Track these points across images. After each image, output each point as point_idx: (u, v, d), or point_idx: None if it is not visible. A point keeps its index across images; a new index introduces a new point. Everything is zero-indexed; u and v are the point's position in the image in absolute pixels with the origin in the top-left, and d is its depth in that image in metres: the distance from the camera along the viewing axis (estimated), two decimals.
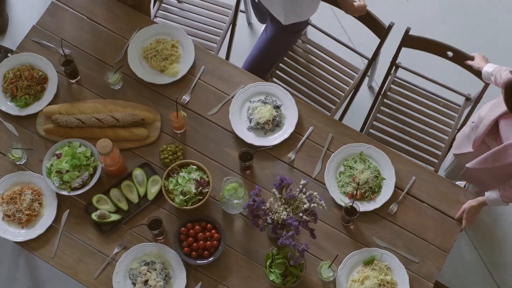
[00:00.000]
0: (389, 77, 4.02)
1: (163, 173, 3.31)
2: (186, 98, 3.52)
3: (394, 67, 4.01)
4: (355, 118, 4.40)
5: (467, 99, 3.98)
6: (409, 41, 3.75)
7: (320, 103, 3.98)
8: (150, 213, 3.32)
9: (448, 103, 3.99)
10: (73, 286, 3.86)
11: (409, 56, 4.05)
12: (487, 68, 3.32)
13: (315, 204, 2.98)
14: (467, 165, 3.22)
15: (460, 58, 3.65)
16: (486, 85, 3.75)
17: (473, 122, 3.36)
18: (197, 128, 3.47)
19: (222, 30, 4.14)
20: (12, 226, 3.29)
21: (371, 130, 3.95)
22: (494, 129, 3.19)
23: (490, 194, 3.23)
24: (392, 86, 4.03)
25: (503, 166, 3.05)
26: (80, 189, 3.31)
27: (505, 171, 3.08)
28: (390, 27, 3.69)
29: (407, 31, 3.71)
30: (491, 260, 4.22)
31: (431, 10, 4.73)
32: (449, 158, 3.72)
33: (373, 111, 3.99)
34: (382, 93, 4.01)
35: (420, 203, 3.36)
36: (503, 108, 3.05)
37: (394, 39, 3.87)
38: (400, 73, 4.05)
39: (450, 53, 3.69)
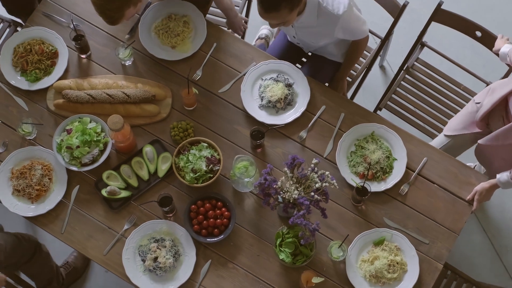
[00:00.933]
0: (413, 53, 4.00)
1: (174, 150, 3.29)
2: (197, 74, 3.50)
3: (419, 45, 4.01)
4: (366, 98, 4.38)
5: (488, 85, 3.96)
6: (440, 16, 3.69)
7: None
8: (160, 190, 3.30)
9: (468, 87, 3.99)
10: None
11: (430, 36, 4.04)
12: (504, 49, 3.31)
13: (327, 184, 2.97)
14: (480, 141, 3.25)
15: (488, 39, 3.61)
16: (508, 72, 3.73)
17: (478, 103, 3.35)
18: (208, 106, 3.45)
19: (238, 7, 4.10)
20: (22, 201, 3.29)
21: (388, 102, 3.96)
22: (501, 107, 3.18)
23: (501, 176, 3.22)
24: (415, 63, 4.04)
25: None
26: (90, 165, 3.29)
27: None
28: (404, 6, 3.65)
29: (439, 4, 3.65)
30: (499, 243, 4.22)
31: None
32: (439, 141, 3.70)
33: (393, 85, 4.00)
34: (404, 69, 4.02)
35: (431, 184, 3.34)
36: None
37: (406, 17, 3.83)
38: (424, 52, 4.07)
39: (478, 33, 3.63)
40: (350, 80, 3.96)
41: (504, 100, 3.16)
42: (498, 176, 3.25)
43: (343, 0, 3.22)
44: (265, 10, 3.04)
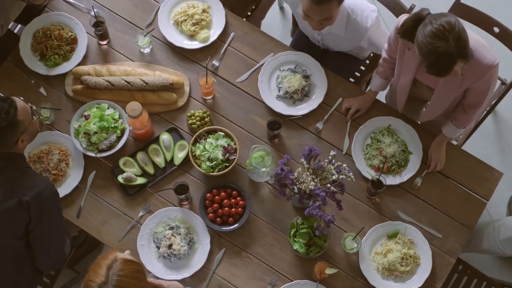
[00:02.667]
0: None
1: (190, 139, 3.31)
2: (215, 64, 3.51)
3: None
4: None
5: (503, 83, 3.96)
6: (457, 9, 3.66)
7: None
8: (176, 178, 3.32)
9: None
10: None
11: None
12: None
13: (343, 176, 2.98)
14: (421, 121, 3.45)
15: (506, 36, 3.59)
16: None
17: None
18: (225, 95, 3.46)
19: None
20: None
21: None
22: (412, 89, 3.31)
23: (445, 127, 3.32)
24: None
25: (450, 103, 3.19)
26: (107, 151, 3.31)
27: (452, 105, 3.22)
28: (411, 9, 3.65)
29: None
30: None
31: None
32: None
33: None
34: None
35: (445, 178, 3.35)
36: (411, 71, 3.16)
37: None
38: None
39: (496, 29, 3.61)
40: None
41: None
42: (442, 129, 3.33)
43: (371, 14, 3.27)
44: (317, 2, 3.02)
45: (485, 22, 3.66)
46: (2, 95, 2.91)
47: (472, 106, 3.17)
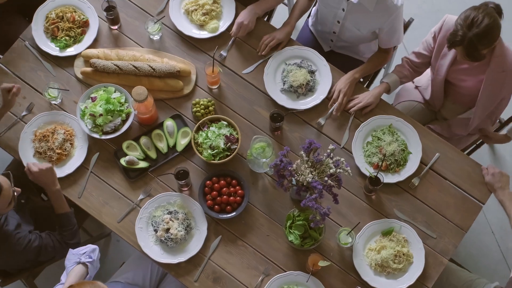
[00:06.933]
0: None
1: (194, 126, 3.36)
2: (223, 54, 3.56)
3: None
4: None
5: None
6: None
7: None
8: (177, 164, 3.37)
9: None
10: None
11: None
12: None
13: (341, 170, 3.02)
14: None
15: None
16: None
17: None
18: (231, 85, 3.51)
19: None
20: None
21: None
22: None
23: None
24: None
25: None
26: (112, 133, 3.37)
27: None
28: (409, 22, 3.71)
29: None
30: (507, 245, 4.25)
31: None
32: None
33: None
34: None
35: (443, 180, 3.39)
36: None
37: (433, 17, 3.84)
38: None
39: None
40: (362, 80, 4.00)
41: None
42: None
43: None
44: None
45: None
46: None
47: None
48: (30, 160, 3.35)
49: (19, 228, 3.11)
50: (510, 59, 3.23)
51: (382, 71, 4.26)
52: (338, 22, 3.61)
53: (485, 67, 3.29)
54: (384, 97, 3.61)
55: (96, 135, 3.36)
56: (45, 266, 3.66)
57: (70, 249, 3.13)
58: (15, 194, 2.99)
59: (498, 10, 3.11)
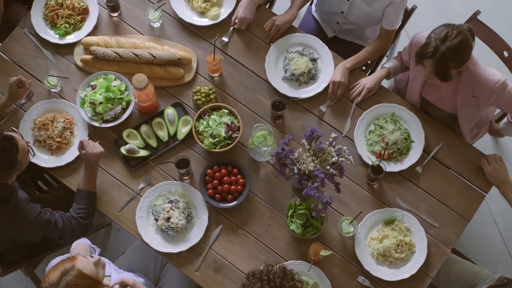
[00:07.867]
0: None
1: (195, 114, 3.33)
2: (224, 41, 3.53)
3: None
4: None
5: None
6: (472, 25, 3.47)
7: None
8: (178, 153, 3.35)
9: None
10: None
11: None
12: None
13: (343, 159, 2.99)
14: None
15: None
16: None
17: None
18: (232, 73, 3.48)
19: None
20: (41, 152, 3.34)
21: None
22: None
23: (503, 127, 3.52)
24: None
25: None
26: (112, 122, 3.34)
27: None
28: (412, 9, 3.67)
29: (476, 13, 3.58)
30: (509, 235, 4.23)
31: None
32: None
33: None
34: None
35: (446, 169, 3.36)
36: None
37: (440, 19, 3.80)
38: None
39: (506, 53, 3.58)
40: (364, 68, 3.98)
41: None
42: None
43: None
44: None
45: (496, 43, 3.61)
46: (7, 133, 2.93)
47: None
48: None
49: (29, 201, 3.09)
50: (479, 84, 3.16)
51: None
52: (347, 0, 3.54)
53: (456, 91, 3.25)
54: (384, 82, 3.59)
55: (96, 124, 3.33)
56: (47, 254, 3.65)
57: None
58: (27, 141, 3.03)
59: (471, 33, 3.05)
